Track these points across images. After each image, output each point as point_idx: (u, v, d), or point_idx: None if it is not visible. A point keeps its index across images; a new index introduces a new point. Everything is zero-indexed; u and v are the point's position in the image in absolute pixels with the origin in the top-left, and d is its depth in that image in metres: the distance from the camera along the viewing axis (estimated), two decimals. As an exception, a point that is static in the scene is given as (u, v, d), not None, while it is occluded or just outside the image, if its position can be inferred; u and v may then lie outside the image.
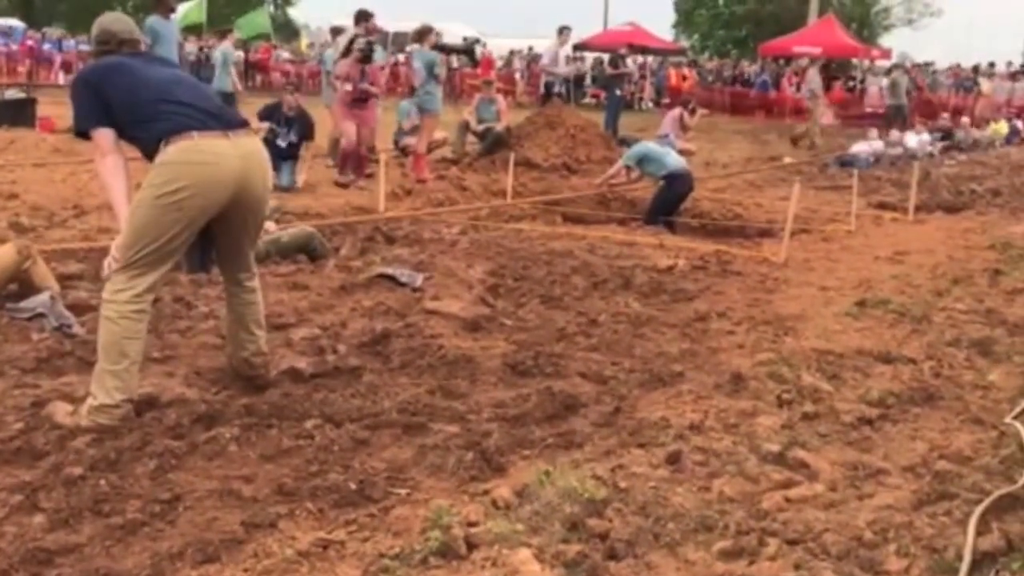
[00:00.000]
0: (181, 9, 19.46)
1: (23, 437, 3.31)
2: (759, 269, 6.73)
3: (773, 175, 13.37)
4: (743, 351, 4.62)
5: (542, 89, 15.90)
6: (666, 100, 26.74)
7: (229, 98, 12.56)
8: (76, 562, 2.54)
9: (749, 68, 30.87)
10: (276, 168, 9.08)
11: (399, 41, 25.68)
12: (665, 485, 2.99)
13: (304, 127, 10.01)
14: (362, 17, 10.87)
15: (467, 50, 12.07)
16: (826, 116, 17.28)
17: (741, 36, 44.18)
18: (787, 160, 15.28)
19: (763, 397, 3.91)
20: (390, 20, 17.63)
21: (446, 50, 11.06)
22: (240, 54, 29.17)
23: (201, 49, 28.10)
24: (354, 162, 10.18)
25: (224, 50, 14.24)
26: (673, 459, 3.19)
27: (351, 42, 10.02)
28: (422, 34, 11.07)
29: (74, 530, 2.71)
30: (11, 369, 4.02)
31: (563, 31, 15.74)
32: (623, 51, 16.90)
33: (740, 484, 3.03)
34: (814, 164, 14.83)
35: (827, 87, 27.03)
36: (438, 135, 12.50)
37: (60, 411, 3.49)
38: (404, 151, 11.84)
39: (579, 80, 24.54)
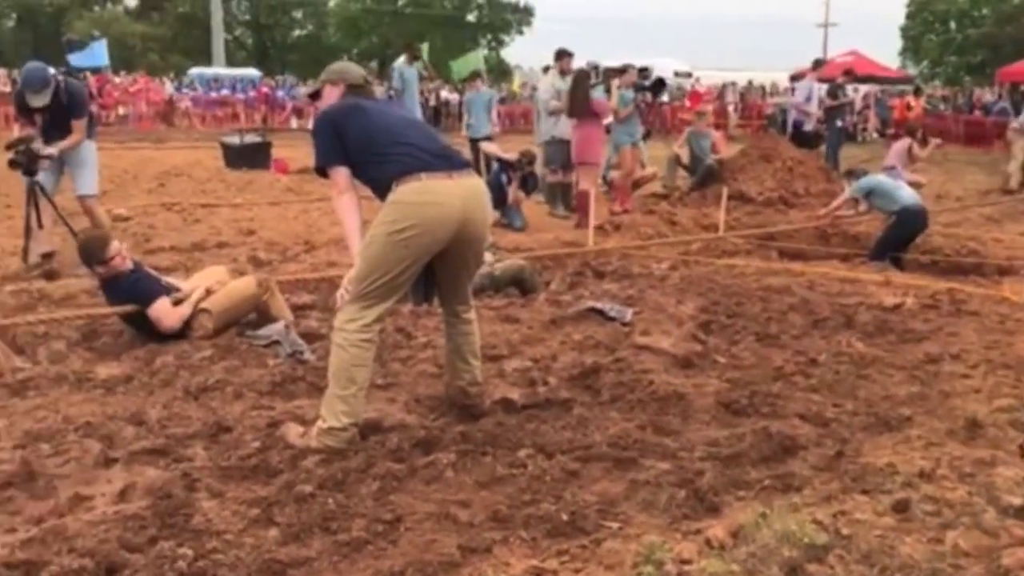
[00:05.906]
0: (460, 59, 20.33)
1: (260, 455, 3.56)
2: (998, 309, 6.25)
3: (1013, 208, 12.43)
4: (979, 396, 4.31)
5: (791, 128, 15.19)
6: (891, 130, 25.51)
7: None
8: (306, 575, 2.69)
9: (986, 95, 29.00)
10: (502, 210, 9.65)
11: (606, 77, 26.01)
12: (892, 534, 2.82)
13: (534, 183, 10.72)
14: (561, 55, 11.65)
15: (652, 87, 12.31)
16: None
17: (976, 62, 41.67)
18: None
19: (1003, 446, 3.62)
20: (601, 57, 18.01)
21: (637, 88, 11.40)
22: (457, 96, 30.37)
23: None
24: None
25: (479, 94, 13.67)
26: (901, 507, 3.01)
27: (582, 85, 10.33)
28: (623, 72, 11.45)
29: (305, 544, 2.86)
30: (249, 392, 4.34)
31: (818, 65, 15.16)
32: (842, 80, 16.23)
33: (977, 537, 2.81)
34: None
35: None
36: (648, 171, 12.53)
37: (293, 432, 3.72)
38: (611, 185, 11.97)
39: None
